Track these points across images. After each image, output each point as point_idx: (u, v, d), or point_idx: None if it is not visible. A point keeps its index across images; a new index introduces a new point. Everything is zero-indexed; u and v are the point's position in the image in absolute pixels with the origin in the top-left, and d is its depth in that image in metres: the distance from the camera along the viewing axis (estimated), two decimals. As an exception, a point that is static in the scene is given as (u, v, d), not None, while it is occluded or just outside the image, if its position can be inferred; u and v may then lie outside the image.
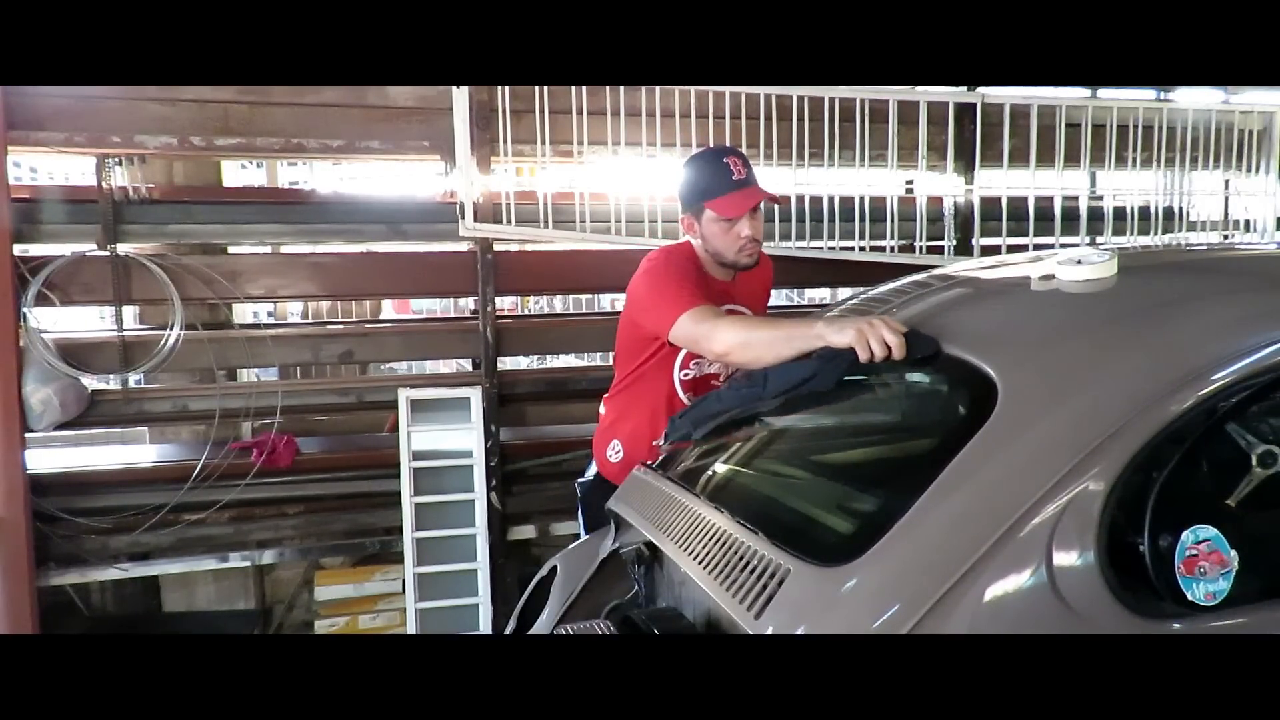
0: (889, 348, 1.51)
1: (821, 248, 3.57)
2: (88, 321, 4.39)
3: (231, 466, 3.22)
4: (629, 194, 3.44)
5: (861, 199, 3.61)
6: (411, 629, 3.30)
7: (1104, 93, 3.95)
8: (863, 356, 1.54)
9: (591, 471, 2.45)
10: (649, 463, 1.93)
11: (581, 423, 3.51)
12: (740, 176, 2.05)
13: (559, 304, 6.36)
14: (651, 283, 2.09)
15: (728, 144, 3.38)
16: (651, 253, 2.21)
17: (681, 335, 1.98)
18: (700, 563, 1.38)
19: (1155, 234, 3.95)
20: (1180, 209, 4.12)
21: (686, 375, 2.25)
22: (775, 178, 3.57)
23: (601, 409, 2.45)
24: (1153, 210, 3.95)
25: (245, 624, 3.46)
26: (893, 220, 3.65)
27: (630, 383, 2.30)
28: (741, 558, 1.30)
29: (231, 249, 3.72)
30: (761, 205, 2.10)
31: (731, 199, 2.04)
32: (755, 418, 1.79)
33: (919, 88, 3.62)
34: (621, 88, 3.36)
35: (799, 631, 1.16)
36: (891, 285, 1.93)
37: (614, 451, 2.35)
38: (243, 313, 3.87)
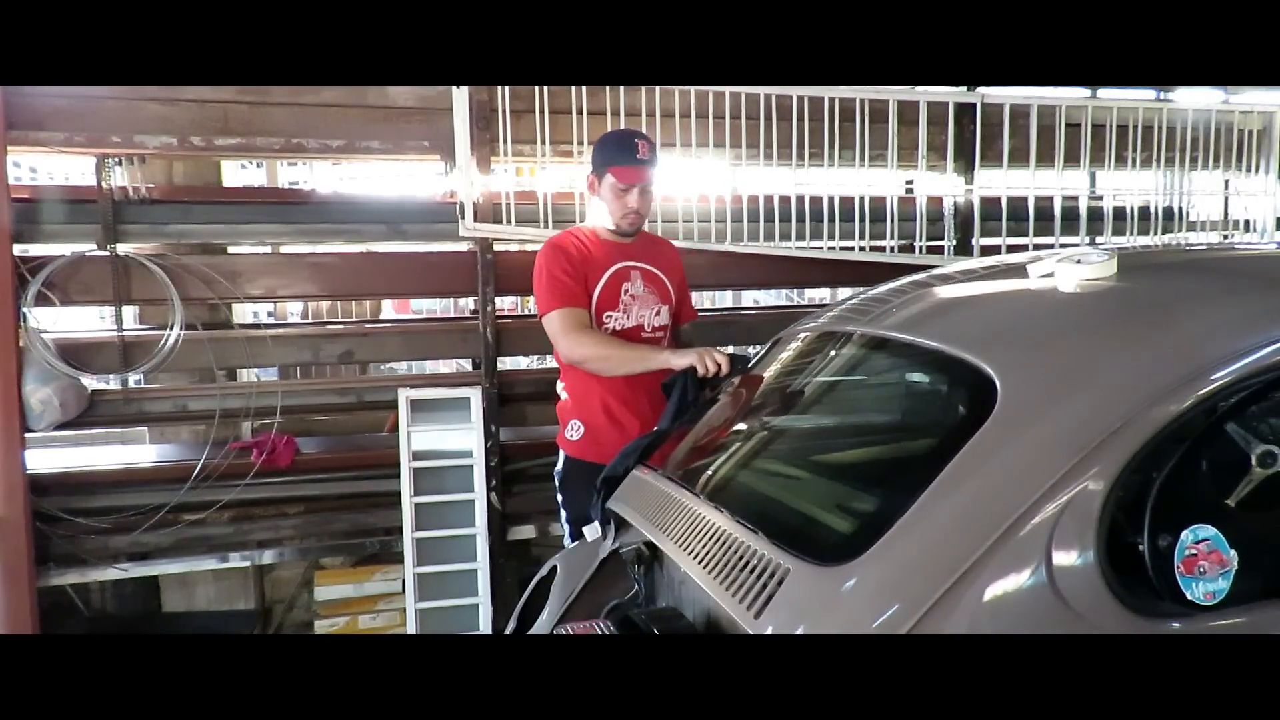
0: (719, 365, 2.09)
1: (821, 248, 3.57)
2: (88, 321, 4.39)
3: (231, 466, 3.22)
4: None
5: (861, 199, 3.61)
6: (411, 629, 3.30)
7: (1104, 93, 3.95)
8: (701, 371, 2.11)
9: (561, 462, 2.53)
10: (653, 465, 1.93)
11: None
12: (643, 157, 2.37)
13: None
14: (536, 271, 2.41)
15: (726, 144, 3.43)
16: (547, 241, 2.47)
17: (550, 329, 2.36)
18: (700, 562, 1.38)
19: (1155, 234, 3.95)
20: (1180, 209, 4.12)
21: (608, 331, 2.41)
22: (775, 178, 3.57)
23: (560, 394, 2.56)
24: (1153, 210, 3.96)
25: (245, 624, 3.45)
26: (893, 220, 3.66)
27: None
28: (741, 557, 1.30)
29: (231, 249, 3.72)
30: (651, 188, 2.43)
31: (630, 170, 2.37)
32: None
33: (919, 88, 3.62)
34: (621, 88, 3.36)
35: (799, 631, 1.16)
36: (891, 285, 1.93)
37: (573, 430, 2.47)
38: (243, 313, 3.87)
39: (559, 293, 2.34)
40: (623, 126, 3.34)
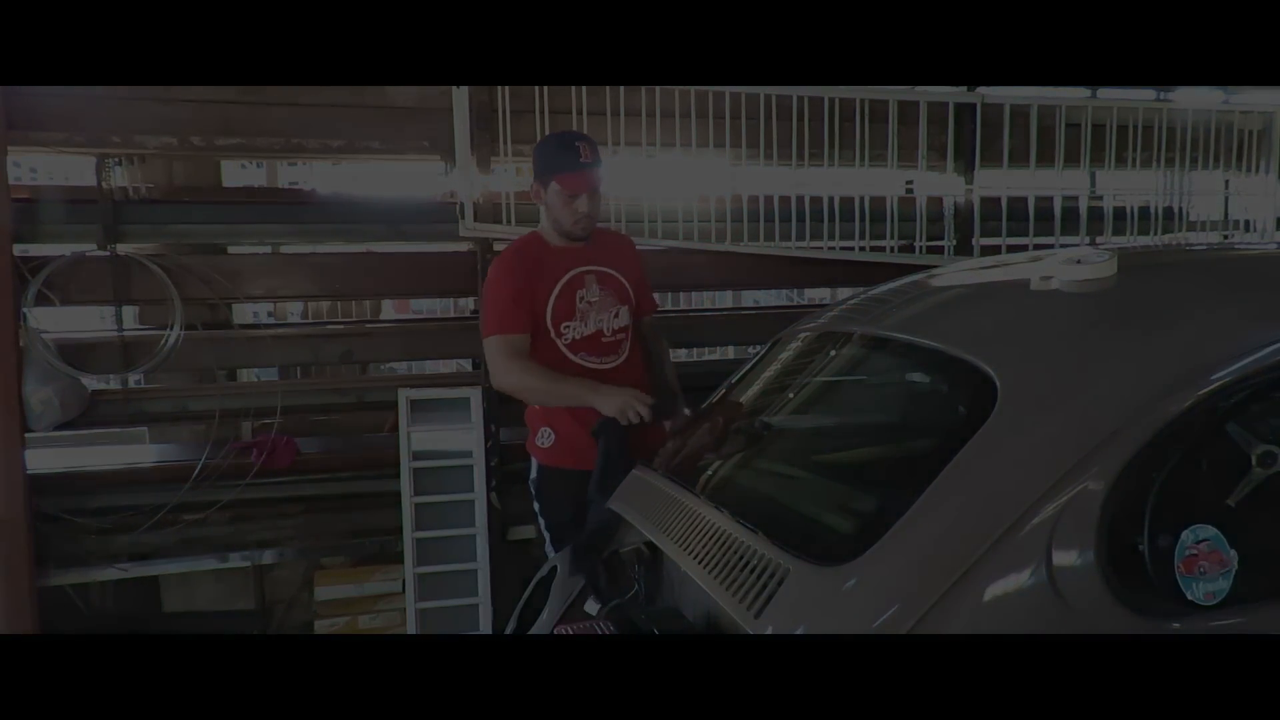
0: (641, 416, 2.08)
1: (821, 248, 3.57)
2: (88, 321, 4.38)
3: (231, 466, 3.22)
4: (628, 194, 3.44)
5: (861, 199, 3.61)
6: (411, 629, 3.30)
7: (1104, 93, 3.95)
8: (622, 421, 2.09)
9: (535, 470, 2.48)
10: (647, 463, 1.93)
11: (581, 423, 3.51)
12: (586, 160, 2.28)
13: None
14: (485, 289, 2.40)
15: (726, 144, 3.42)
16: (498, 255, 2.43)
17: (488, 353, 2.31)
18: (700, 562, 1.38)
19: (1155, 234, 3.95)
20: (1180, 209, 4.11)
21: (567, 341, 2.36)
22: (775, 178, 3.57)
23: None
24: (1153, 210, 3.95)
25: (245, 624, 3.45)
26: (893, 220, 3.65)
27: None
28: (741, 557, 1.30)
29: (231, 249, 3.72)
30: (600, 190, 2.35)
31: (575, 177, 2.26)
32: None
33: (919, 88, 3.62)
34: (621, 88, 3.36)
35: (799, 631, 1.16)
36: (891, 285, 1.93)
37: (544, 437, 2.42)
38: (243, 313, 3.86)
39: (499, 318, 2.28)
40: (623, 127, 3.35)
